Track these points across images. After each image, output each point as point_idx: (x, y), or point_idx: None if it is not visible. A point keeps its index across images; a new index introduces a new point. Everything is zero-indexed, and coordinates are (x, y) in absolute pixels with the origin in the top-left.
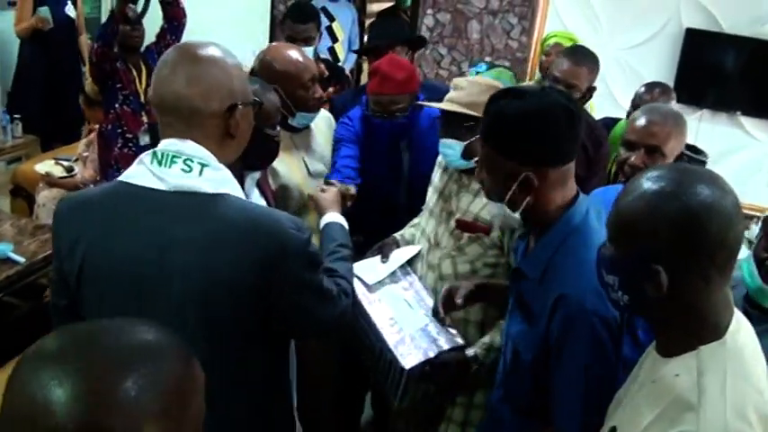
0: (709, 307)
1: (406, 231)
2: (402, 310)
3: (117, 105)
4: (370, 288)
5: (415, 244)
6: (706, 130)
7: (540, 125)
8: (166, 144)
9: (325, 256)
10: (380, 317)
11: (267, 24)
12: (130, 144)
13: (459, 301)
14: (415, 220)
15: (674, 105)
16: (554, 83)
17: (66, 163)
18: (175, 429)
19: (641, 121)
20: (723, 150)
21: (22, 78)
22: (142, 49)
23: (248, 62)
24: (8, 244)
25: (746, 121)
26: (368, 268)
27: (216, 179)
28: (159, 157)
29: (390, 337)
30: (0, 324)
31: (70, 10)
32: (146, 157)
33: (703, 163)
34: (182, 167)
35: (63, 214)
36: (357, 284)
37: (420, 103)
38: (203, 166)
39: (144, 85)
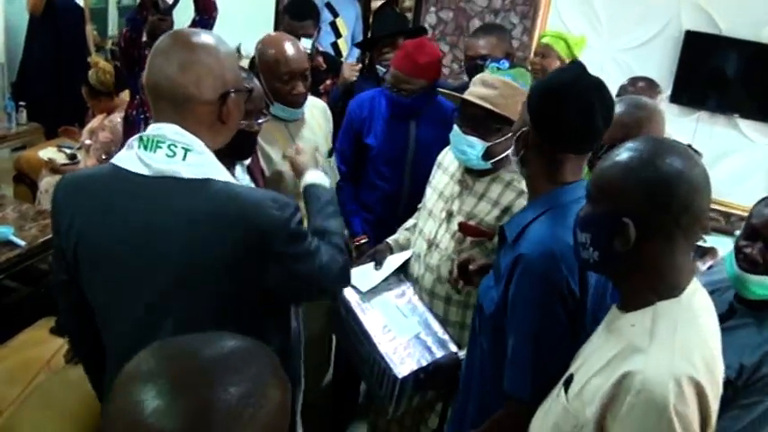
0: (670, 266)
1: (401, 236)
2: (395, 319)
3: (142, 91)
4: (363, 296)
5: (412, 246)
6: (704, 132)
7: (565, 108)
8: (153, 129)
9: (314, 216)
10: (373, 325)
11: (272, 19)
12: None
13: (472, 267)
14: (410, 223)
15: (662, 100)
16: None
17: (68, 150)
18: None
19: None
20: (721, 152)
21: (30, 65)
22: None
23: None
24: (9, 227)
25: (744, 124)
26: (361, 275)
27: (199, 163)
28: (145, 141)
29: (383, 345)
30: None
31: None
32: (134, 141)
33: None
34: (166, 152)
35: (60, 194)
36: (350, 292)
37: (444, 91)
38: (186, 150)
39: None
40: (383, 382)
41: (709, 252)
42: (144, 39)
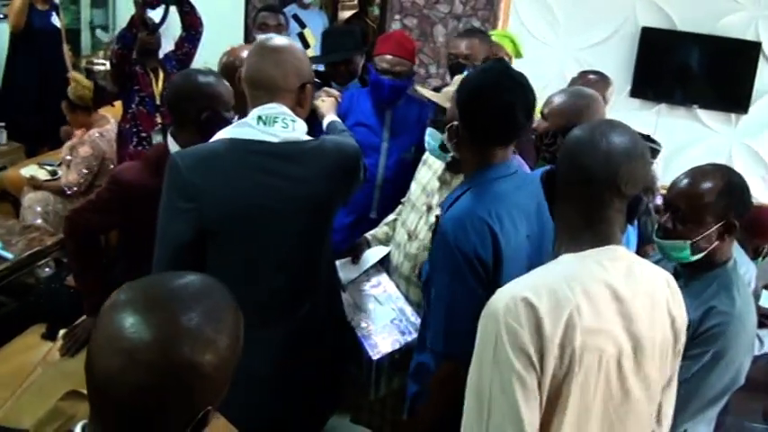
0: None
1: (379, 231)
2: (370, 307)
3: (133, 106)
4: (342, 288)
5: (394, 236)
6: (665, 124)
7: (485, 102)
8: (265, 108)
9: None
10: (350, 311)
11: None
12: (144, 143)
13: None
14: (389, 218)
15: (612, 93)
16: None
17: (49, 167)
18: (228, 360)
19: (555, 103)
20: (682, 143)
21: (11, 86)
22: (161, 55)
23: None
24: None
25: (704, 114)
26: (339, 269)
27: (303, 130)
28: (264, 119)
29: (359, 330)
30: None
31: (56, 20)
32: (250, 120)
33: (657, 151)
34: (281, 125)
35: (190, 165)
36: None
37: (421, 90)
38: (293, 121)
39: (160, 88)
40: (362, 365)
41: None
42: (134, 56)
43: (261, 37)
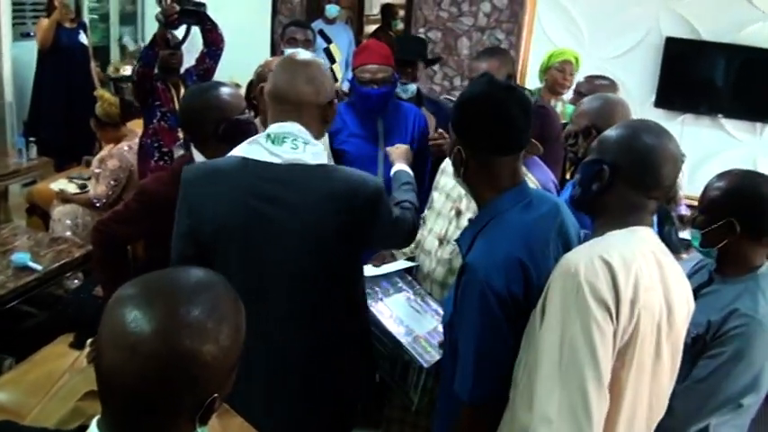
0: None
1: None
2: (412, 316)
3: (155, 121)
4: (376, 298)
5: (422, 245)
6: (690, 134)
7: (478, 110)
8: (278, 127)
9: (395, 191)
10: (392, 323)
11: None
12: (165, 158)
13: None
14: None
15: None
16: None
17: (79, 181)
18: (229, 349)
19: (583, 107)
20: (707, 152)
21: (41, 103)
22: (182, 71)
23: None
24: (26, 253)
25: (728, 124)
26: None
27: (317, 152)
28: (272, 138)
29: (405, 339)
30: (16, 332)
31: (83, 38)
32: (260, 138)
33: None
34: (291, 145)
35: (192, 180)
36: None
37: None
38: (305, 143)
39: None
40: (407, 375)
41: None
42: (156, 72)
43: (288, 52)
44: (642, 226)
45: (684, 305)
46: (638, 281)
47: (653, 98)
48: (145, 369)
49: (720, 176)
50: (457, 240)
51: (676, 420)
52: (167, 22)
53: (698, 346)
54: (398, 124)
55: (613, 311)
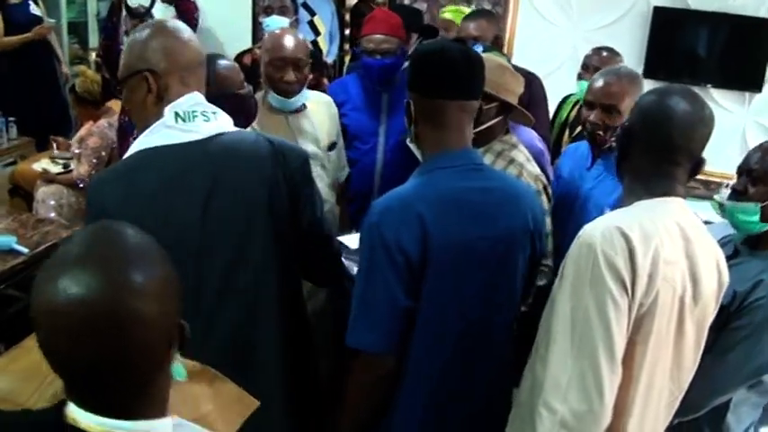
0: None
1: None
2: None
3: None
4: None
5: None
6: None
7: (426, 58)
8: (180, 103)
9: None
10: None
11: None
12: None
13: None
14: None
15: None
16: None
17: (61, 160)
18: (170, 311)
19: (599, 83)
20: None
21: (5, 84)
22: None
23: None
24: (12, 236)
25: (717, 94)
26: (349, 240)
27: (227, 123)
28: (182, 114)
29: None
30: (3, 317)
31: (35, 9)
32: (167, 119)
33: None
34: (202, 118)
35: (100, 187)
36: (349, 264)
37: None
38: (214, 113)
39: None
40: None
41: None
42: (122, 46)
43: (265, 20)
44: (672, 196)
45: (713, 280)
46: (658, 253)
47: (641, 69)
48: (96, 333)
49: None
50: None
51: (700, 392)
52: None
53: (722, 317)
54: (403, 100)
55: (629, 285)
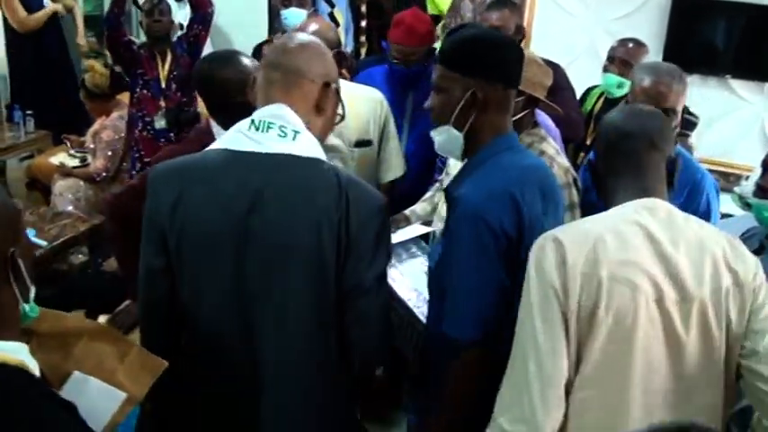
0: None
1: (419, 206)
2: (424, 282)
3: (138, 90)
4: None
5: (438, 211)
6: (697, 95)
7: (492, 45)
8: (263, 111)
9: None
10: (404, 289)
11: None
12: (149, 127)
13: None
14: (427, 195)
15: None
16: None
17: (79, 154)
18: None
19: (648, 83)
20: (715, 114)
21: (19, 76)
22: (174, 38)
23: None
24: (30, 229)
25: (736, 84)
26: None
27: (310, 146)
28: (257, 123)
29: (416, 304)
30: None
31: (48, 3)
32: (243, 123)
33: (694, 124)
34: (278, 132)
35: (161, 178)
36: None
37: None
38: (295, 132)
39: (166, 72)
40: (419, 343)
41: None
42: (128, 37)
43: (284, 12)
44: (645, 198)
45: (715, 280)
46: (597, 252)
47: (660, 59)
48: None
49: None
50: (446, 189)
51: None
52: None
53: None
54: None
55: (558, 288)
